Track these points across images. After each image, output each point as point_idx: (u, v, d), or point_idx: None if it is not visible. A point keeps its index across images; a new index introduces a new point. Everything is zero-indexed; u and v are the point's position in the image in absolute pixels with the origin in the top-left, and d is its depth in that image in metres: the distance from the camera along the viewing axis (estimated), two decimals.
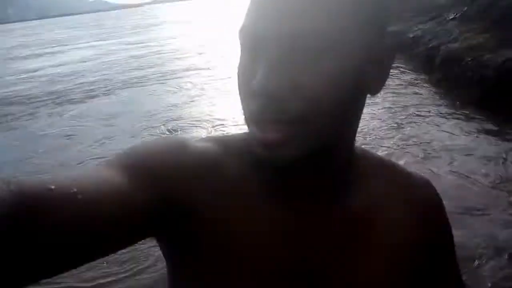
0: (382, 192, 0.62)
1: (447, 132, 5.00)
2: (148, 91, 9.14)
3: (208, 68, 10.77)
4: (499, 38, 6.17)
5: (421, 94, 6.62)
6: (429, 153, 4.49)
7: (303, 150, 0.50)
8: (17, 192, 0.39)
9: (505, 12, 6.74)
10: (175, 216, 0.54)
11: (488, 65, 5.65)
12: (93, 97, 9.14)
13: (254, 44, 0.49)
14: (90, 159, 5.33)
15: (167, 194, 0.52)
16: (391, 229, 0.61)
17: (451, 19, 8.33)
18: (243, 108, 0.52)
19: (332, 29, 0.46)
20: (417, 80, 7.39)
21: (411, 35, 8.94)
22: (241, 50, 0.52)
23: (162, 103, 7.89)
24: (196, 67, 11.15)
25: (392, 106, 6.09)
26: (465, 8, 8.17)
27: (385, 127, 5.31)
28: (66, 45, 22.18)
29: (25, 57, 18.40)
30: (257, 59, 0.48)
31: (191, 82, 9.42)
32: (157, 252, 2.79)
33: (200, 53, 13.53)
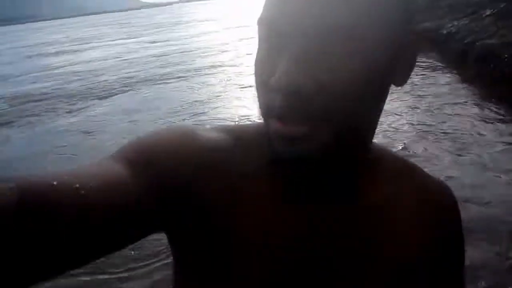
0: (397, 192, 0.61)
1: (481, 128, 4.98)
2: (171, 88, 9.23)
3: (233, 65, 10.84)
4: None
5: (454, 90, 6.56)
6: (462, 149, 4.50)
7: (324, 146, 0.49)
8: (19, 189, 0.39)
9: None
10: (181, 209, 0.53)
11: None
12: (114, 94, 9.23)
13: (275, 38, 0.47)
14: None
15: (173, 186, 0.51)
16: (403, 230, 0.60)
17: (488, 15, 8.23)
18: (261, 102, 0.51)
19: (360, 25, 0.45)
20: (450, 76, 7.33)
21: (444, 32, 8.93)
22: (259, 42, 0.51)
23: (186, 99, 7.98)
24: (220, 64, 11.23)
25: (424, 102, 6.07)
26: (503, 5, 8.04)
27: (416, 121, 5.32)
28: (90, 43, 22.67)
29: (48, 55, 18.86)
30: (278, 53, 0.47)
31: (216, 79, 9.51)
32: None
33: (224, 51, 13.62)
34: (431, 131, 5.05)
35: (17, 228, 0.38)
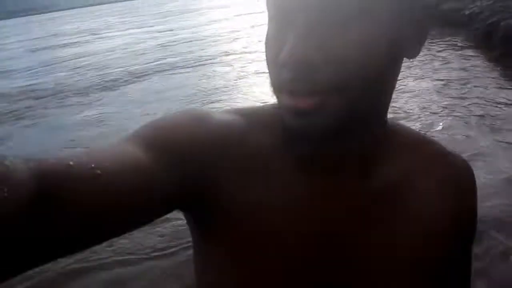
0: (414, 168, 0.61)
1: (507, 105, 4.99)
2: (183, 77, 9.19)
3: (246, 53, 10.78)
4: None
5: (479, 69, 6.51)
6: (492, 125, 4.55)
7: (336, 119, 0.49)
8: (36, 170, 0.40)
9: None
10: (198, 189, 0.55)
11: None
12: (123, 85, 9.17)
13: (282, 14, 0.49)
14: None
15: (189, 168, 0.53)
16: (419, 205, 0.60)
17: None
18: (272, 79, 0.53)
19: None
20: (474, 56, 7.25)
21: (467, 12, 8.85)
22: (268, 21, 0.53)
23: (200, 88, 7.94)
24: (233, 52, 11.18)
25: (449, 81, 6.11)
26: None
27: (444, 101, 5.36)
28: (98, 34, 22.70)
29: (54, 47, 18.92)
30: (286, 29, 0.49)
31: (230, 67, 9.46)
32: None
33: (236, 39, 13.54)
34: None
35: (36, 208, 0.39)
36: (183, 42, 14.30)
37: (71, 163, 0.43)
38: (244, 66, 9.14)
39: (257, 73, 8.27)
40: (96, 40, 19.60)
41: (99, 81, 9.93)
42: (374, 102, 0.54)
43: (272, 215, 0.57)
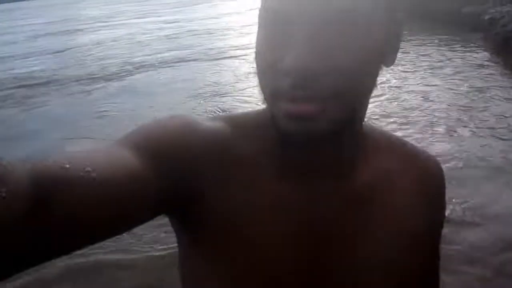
0: (389, 168, 0.66)
1: None
2: (192, 70, 9.10)
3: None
4: None
5: (496, 76, 6.47)
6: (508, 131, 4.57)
7: (334, 124, 0.53)
8: (33, 172, 0.42)
9: None
10: (185, 195, 0.57)
11: None
12: (124, 77, 9.02)
13: (281, 25, 0.51)
14: None
15: (177, 173, 0.55)
16: (396, 203, 0.64)
17: None
18: (267, 85, 0.55)
19: (358, 8, 0.50)
20: (492, 62, 7.21)
21: (487, 17, 8.81)
22: (262, 28, 0.55)
23: (208, 81, 7.86)
24: (244, 47, 11.03)
25: (467, 88, 6.08)
26: None
27: (459, 109, 5.35)
28: (105, 21, 22.70)
29: (56, 34, 18.92)
30: (285, 38, 0.51)
31: (239, 61, 9.37)
32: None
33: (247, 33, 13.38)
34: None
35: (32, 210, 0.40)
36: (192, 35, 14.24)
37: (66, 165, 0.45)
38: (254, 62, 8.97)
39: None
40: (102, 28, 19.60)
41: (101, 70, 9.84)
42: (360, 106, 0.59)
43: (259, 219, 0.59)
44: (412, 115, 5.26)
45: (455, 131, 4.70)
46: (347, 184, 0.63)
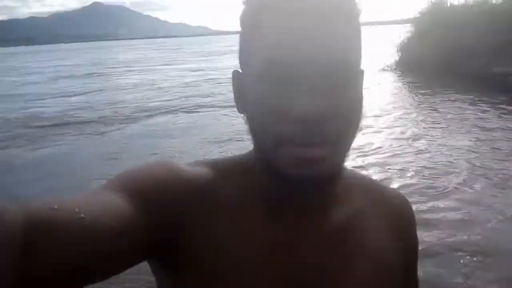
0: (364, 207, 0.69)
1: None
2: (211, 116, 9.17)
3: None
4: None
5: None
6: None
7: (336, 166, 0.58)
8: (24, 213, 0.43)
9: None
10: (171, 238, 0.58)
11: None
12: (141, 121, 9.15)
13: (286, 73, 0.54)
14: None
15: (163, 216, 0.57)
16: (371, 240, 0.67)
17: None
18: (270, 133, 0.56)
19: (354, 54, 0.57)
20: None
21: None
22: (265, 80, 0.55)
23: (225, 128, 7.81)
24: None
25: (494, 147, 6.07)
26: None
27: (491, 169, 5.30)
28: (131, 66, 23.24)
29: (79, 77, 19.58)
30: (291, 86, 0.54)
31: None
32: None
33: None
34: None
35: (23, 250, 0.42)
36: (213, 83, 14.50)
37: (55, 206, 0.46)
38: None
39: None
40: (126, 73, 19.95)
41: (115, 113, 10.02)
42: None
43: (245, 262, 0.59)
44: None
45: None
46: (328, 223, 0.65)
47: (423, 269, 2.88)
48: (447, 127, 7.04)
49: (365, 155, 5.75)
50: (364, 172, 2.75)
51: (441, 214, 4.00)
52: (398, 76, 13.85)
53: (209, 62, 23.23)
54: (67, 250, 0.45)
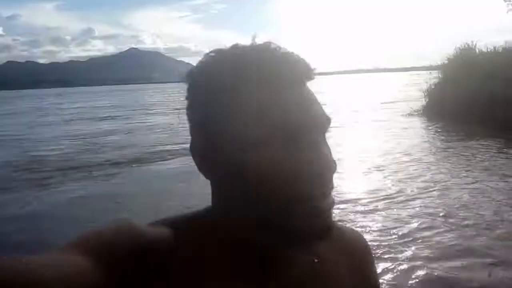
0: (324, 245, 0.70)
1: None
2: None
3: None
4: None
5: None
6: None
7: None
8: None
9: None
10: None
11: None
12: (149, 164, 9.15)
13: (296, 135, 0.58)
14: None
15: (127, 276, 0.56)
16: (331, 276, 0.70)
17: None
18: (285, 192, 0.57)
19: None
20: None
21: None
22: (265, 146, 0.57)
23: None
24: None
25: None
26: None
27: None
28: (150, 109, 23.55)
29: (87, 120, 19.66)
30: (303, 148, 0.57)
31: None
32: None
33: None
34: None
35: None
36: None
37: (21, 266, 0.46)
38: None
39: None
40: (142, 115, 20.12)
41: (122, 156, 10.00)
42: None
43: None
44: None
45: None
46: (301, 261, 0.67)
47: None
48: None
49: None
50: None
51: None
52: (425, 122, 13.64)
53: None
54: None
